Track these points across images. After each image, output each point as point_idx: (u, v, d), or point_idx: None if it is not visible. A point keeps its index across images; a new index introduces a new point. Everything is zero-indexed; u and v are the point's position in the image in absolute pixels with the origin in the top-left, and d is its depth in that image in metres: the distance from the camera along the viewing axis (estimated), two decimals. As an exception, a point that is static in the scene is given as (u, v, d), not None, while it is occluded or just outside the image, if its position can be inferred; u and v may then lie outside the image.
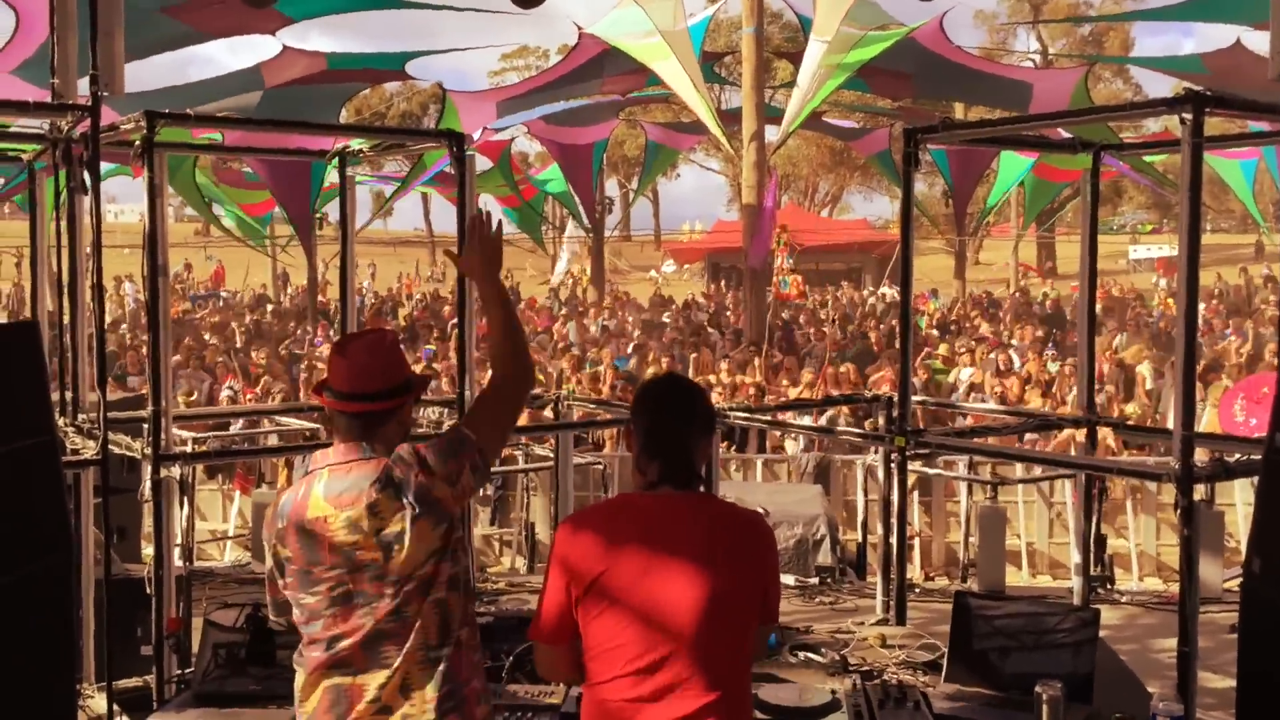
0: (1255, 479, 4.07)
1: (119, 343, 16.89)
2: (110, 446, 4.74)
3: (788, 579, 7.05)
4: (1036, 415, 7.52)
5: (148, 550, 6.21)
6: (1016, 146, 9.10)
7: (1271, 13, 4.48)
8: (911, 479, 8.04)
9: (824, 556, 7.78)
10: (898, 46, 12.87)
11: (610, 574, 2.66)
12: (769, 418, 7.95)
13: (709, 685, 2.64)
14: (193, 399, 12.48)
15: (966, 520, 8.72)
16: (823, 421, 10.30)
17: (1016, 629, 3.98)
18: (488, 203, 16.75)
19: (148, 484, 4.78)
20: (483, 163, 15.57)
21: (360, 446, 2.83)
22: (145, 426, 4.81)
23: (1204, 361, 12.83)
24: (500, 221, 3.10)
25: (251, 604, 3.93)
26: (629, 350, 16.72)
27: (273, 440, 8.22)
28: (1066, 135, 6.99)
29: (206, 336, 19.66)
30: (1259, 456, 3.63)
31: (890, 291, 28.99)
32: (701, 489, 2.80)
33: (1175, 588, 6.91)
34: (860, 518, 8.58)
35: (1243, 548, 9.18)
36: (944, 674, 4.03)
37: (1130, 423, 9.48)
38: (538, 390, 11.92)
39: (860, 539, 8.43)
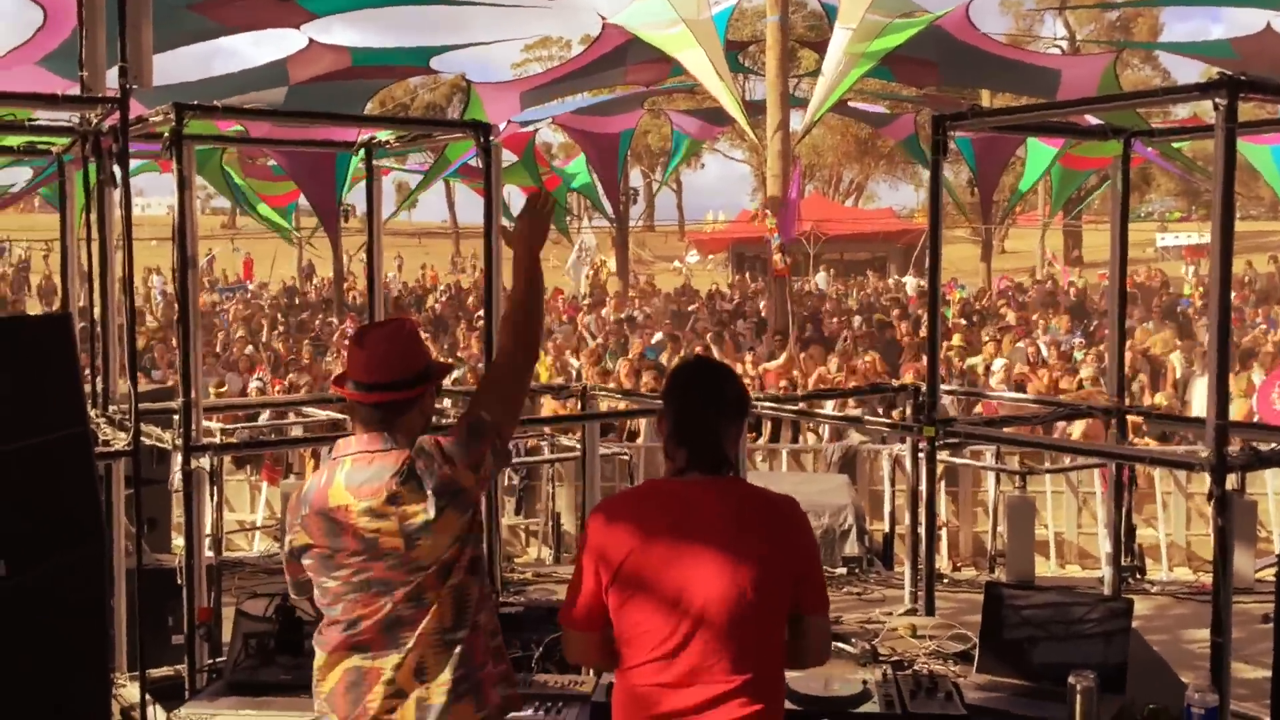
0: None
1: (147, 335, 17.00)
2: (141, 438, 4.77)
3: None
4: (1065, 405, 7.46)
5: (178, 541, 6.26)
6: (1047, 133, 9.00)
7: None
8: (939, 469, 8.00)
9: (851, 547, 7.77)
10: (923, 34, 12.73)
11: (638, 560, 2.66)
12: (797, 407, 7.91)
13: (736, 671, 2.63)
14: (223, 390, 12.58)
15: (994, 510, 8.67)
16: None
17: (1048, 619, 3.96)
18: (511, 194, 16.78)
19: (178, 475, 4.80)
20: (508, 156, 15.57)
21: (383, 437, 2.84)
22: (175, 418, 4.84)
23: (1238, 350, 12.69)
24: (555, 202, 3.15)
25: (281, 594, 3.95)
26: (654, 341, 16.69)
27: (299, 431, 8.24)
28: (1096, 122, 6.93)
29: (232, 329, 19.81)
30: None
31: (914, 281, 28.83)
32: (732, 474, 2.78)
33: (1205, 578, 6.86)
34: (887, 508, 8.55)
35: (1274, 537, 9.12)
36: (975, 664, 4.02)
37: (1159, 413, 9.37)
38: (560, 380, 11.97)
39: (887, 529, 8.40)
